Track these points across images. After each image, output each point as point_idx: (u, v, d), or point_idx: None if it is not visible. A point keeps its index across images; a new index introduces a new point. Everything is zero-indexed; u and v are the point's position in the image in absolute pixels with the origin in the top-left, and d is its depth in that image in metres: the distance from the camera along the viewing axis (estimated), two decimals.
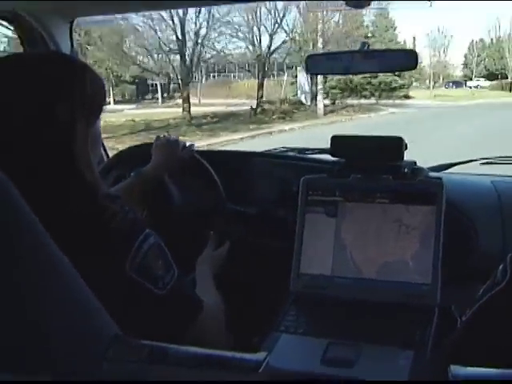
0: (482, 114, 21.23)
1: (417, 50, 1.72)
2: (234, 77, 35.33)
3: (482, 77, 52.82)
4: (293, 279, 1.58)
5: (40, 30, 1.96)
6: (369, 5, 1.73)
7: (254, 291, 1.99)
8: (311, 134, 12.35)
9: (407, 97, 33.65)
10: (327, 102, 24.93)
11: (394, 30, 38.62)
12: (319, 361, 1.25)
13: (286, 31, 23.69)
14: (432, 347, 1.30)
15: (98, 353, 0.64)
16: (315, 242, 1.59)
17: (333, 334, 1.36)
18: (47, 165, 1.12)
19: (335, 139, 1.68)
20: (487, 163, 2.08)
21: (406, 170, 1.64)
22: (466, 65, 59.07)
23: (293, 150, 2.30)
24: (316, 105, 22.78)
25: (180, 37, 20.64)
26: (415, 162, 1.73)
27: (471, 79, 53.47)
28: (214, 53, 23.81)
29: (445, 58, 53.74)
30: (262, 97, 22.98)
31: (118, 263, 1.10)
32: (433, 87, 47.79)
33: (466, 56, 59.09)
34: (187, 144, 1.93)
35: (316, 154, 2.22)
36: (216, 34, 22.53)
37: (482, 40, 59.64)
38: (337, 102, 26.62)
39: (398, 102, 29.84)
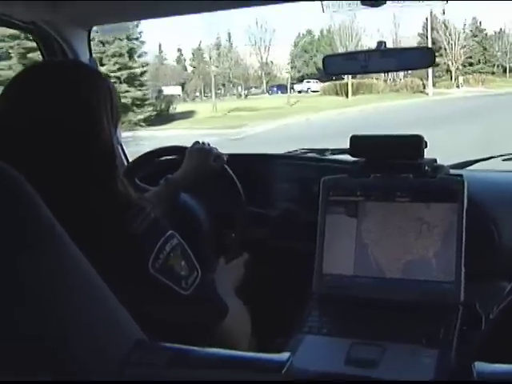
0: None
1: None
2: None
3: (315, 78, 44.80)
4: (315, 280, 1.58)
5: (58, 40, 1.98)
6: (385, 3, 1.72)
7: (277, 293, 1.99)
8: None
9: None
10: None
11: None
12: (343, 361, 1.25)
13: None
14: (457, 345, 1.29)
15: (120, 357, 0.65)
16: (337, 242, 1.59)
17: (356, 333, 1.35)
18: (89, 173, 1.14)
19: (354, 139, 1.68)
20: (509, 159, 2.06)
21: (426, 167, 1.63)
22: (292, 64, 49.35)
23: (312, 150, 2.30)
24: None
25: None
26: (436, 160, 1.72)
27: (301, 81, 46.10)
28: None
29: (267, 57, 45.59)
30: None
31: (141, 263, 1.11)
32: (243, 95, 41.63)
33: (292, 53, 49.86)
34: (219, 154, 1.88)
35: (335, 154, 2.21)
36: None
37: (309, 32, 51.25)
38: None
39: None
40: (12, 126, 1.11)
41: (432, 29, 43.59)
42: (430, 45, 36.62)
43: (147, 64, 30.44)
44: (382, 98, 33.21)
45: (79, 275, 0.82)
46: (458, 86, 41.84)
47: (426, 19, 42.96)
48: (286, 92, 41.40)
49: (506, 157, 2.06)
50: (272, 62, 48.18)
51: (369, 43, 44.89)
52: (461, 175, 1.60)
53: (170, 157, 2.04)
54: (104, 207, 1.13)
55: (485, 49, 48.14)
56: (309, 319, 1.45)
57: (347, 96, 36.19)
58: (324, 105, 29.62)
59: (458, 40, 44.16)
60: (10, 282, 0.73)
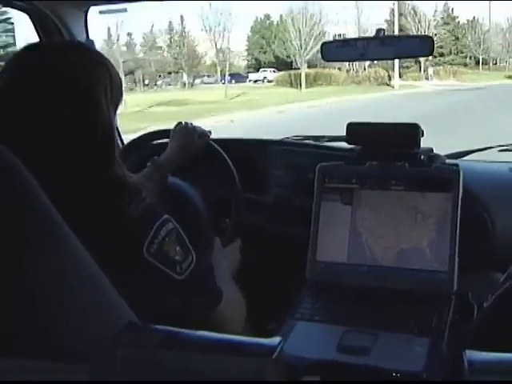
0: None
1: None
2: None
3: (272, 66, 42.42)
4: (309, 267, 1.58)
5: (55, 20, 1.97)
6: None
7: (271, 279, 1.99)
8: None
9: None
10: None
11: None
12: (335, 348, 1.25)
13: None
14: (449, 334, 1.30)
15: (111, 339, 0.64)
16: (331, 229, 1.59)
17: (349, 321, 1.35)
18: (88, 156, 1.13)
19: (351, 126, 1.68)
20: (505, 150, 2.06)
21: (422, 156, 1.63)
22: (249, 51, 47.12)
23: (308, 137, 2.29)
24: None
25: None
26: (432, 149, 1.72)
27: (258, 70, 43.38)
28: None
29: (223, 43, 40.59)
30: None
31: (136, 248, 1.11)
32: (187, 84, 38.43)
33: (248, 39, 46.88)
34: (204, 131, 1.90)
35: (331, 141, 2.21)
36: None
37: (267, 17, 47.19)
38: None
39: None
40: (9, 108, 1.09)
41: (400, 15, 40.86)
42: (396, 32, 34.25)
43: None
44: (340, 91, 30.32)
45: (71, 256, 0.81)
46: (427, 78, 39.63)
47: (393, 4, 40.53)
48: (242, 81, 39.11)
49: (502, 147, 2.06)
50: (229, 48, 44.70)
51: (331, 30, 42.17)
52: (457, 165, 1.60)
53: (161, 141, 2.04)
54: (102, 190, 1.12)
55: (457, 38, 45.60)
56: (301, 306, 1.45)
57: (300, 87, 34.15)
58: (269, 99, 25.43)
59: (428, 28, 41.67)
60: (5, 261, 0.73)
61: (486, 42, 44.19)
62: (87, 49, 1.24)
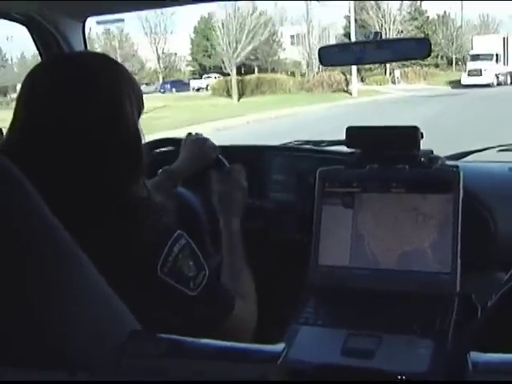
0: None
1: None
2: None
3: (219, 72, 35.50)
4: (311, 271, 1.58)
5: (53, 32, 1.97)
6: None
7: (273, 284, 1.99)
8: None
9: None
10: None
11: None
12: (339, 352, 1.25)
13: None
14: (452, 336, 1.30)
15: (116, 348, 0.65)
16: (333, 233, 1.59)
17: (352, 324, 1.35)
18: (112, 173, 1.13)
19: (351, 130, 1.68)
20: (504, 150, 2.06)
21: (422, 158, 1.63)
22: (193, 54, 41.12)
23: (308, 142, 2.30)
24: None
25: None
26: (432, 151, 1.72)
27: (202, 76, 37.70)
28: None
29: (165, 47, 37.46)
30: None
31: (150, 268, 1.10)
32: None
33: (192, 42, 40.68)
34: (214, 144, 1.87)
35: (331, 145, 2.21)
36: None
37: (212, 15, 39.70)
38: None
39: None
40: (36, 125, 1.10)
41: (361, 9, 36.62)
42: (353, 29, 30.38)
43: None
44: (285, 101, 24.48)
45: (73, 265, 0.81)
46: (393, 82, 35.22)
47: None
48: (184, 89, 33.47)
49: (501, 148, 2.07)
50: (176, 53, 40.65)
51: (288, 30, 38.61)
52: (457, 166, 1.60)
53: (165, 149, 2.04)
54: (120, 210, 1.12)
55: (426, 35, 37.27)
56: (305, 310, 1.45)
57: (238, 98, 27.89)
58: (183, 117, 18.83)
59: (394, 23, 37.15)
60: (7, 273, 0.73)
61: (458, 39, 40.07)
62: (111, 60, 1.25)
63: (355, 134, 1.70)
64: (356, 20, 34.38)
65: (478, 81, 30.82)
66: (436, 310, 1.38)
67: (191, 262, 1.17)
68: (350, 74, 29.78)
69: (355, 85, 29.76)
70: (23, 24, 2.01)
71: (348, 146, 1.73)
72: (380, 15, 37.28)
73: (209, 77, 36.86)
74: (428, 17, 42.76)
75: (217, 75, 34.44)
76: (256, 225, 2.00)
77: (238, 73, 31.90)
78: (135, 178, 1.17)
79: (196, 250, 1.20)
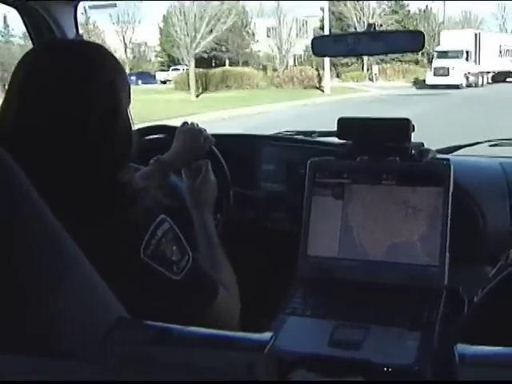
0: None
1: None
2: None
3: (187, 64, 30.12)
4: (300, 261, 1.58)
5: (44, 15, 1.95)
6: None
7: (262, 274, 1.99)
8: None
9: None
10: None
11: None
12: (326, 342, 1.25)
13: None
14: (440, 328, 1.30)
15: (103, 335, 0.64)
16: (322, 224, 1.59)
17: (340, 315, 1.36)
18: (100, 160, 1.13)
19: (342, 121, 1.68)
20: (495, 145, 2.07)
21: (413, 151, 1.64)
22: (161, 45, 39.29)
23: (299, 133, 2.30)
24: None
25: None
26: (423, 144, 1.72)
27: (169, 67, 35.57)
28: None
29: (132, 36, 35.74)
30: None
31: (133, 250, 1.10)
32: None
33: (160, 30, 38.82)
34: (208, 135, 1.85)
35: (323, 136, 2.21)
36: None
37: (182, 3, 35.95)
38: None
39: None
40: (32, 115, 1.10)
41: (339, 0, 34.50)
42: (327, 21, 27.81)
43: None
44: (250, 98, 22.39)
45: (60, 250, 0.81)
46: (371, 79, 32.78)
47: None
48: (151, 81, 31.40)
49: (492, 142, 2.08)
50: (146, 43, 38.80)
51: (264, 22, 36.69)
52: (447, 159, 1.60)
53: (157, 136, 2.03)
54: (104, 194, 1.12)
55: None
56: (293, 300, 1.45)
57: (197, 94, 25.40)
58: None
59: (372, 16, 33.96)
60: None
61: (440, 35, 36.41)
62: (106, 49, 1.24)
63: (346, 126, 1.70)
64: (333, 12, 33.43)
65: (445, 81, 27.81)
66: (424, 302, 1.39)
67: (174, 246, 1.16)
68: (323, 68, 27.66)
69: (328, 81, 27.31)
70: (13, 6, 1.98)
71: (339, 138, 1.72)
72: (358, 7, 34.97)
73: (176, 69, 33.97)
74: (409, 11, 41.25)
75: (185, 67, 30.44)
76: (247, 214, 2.00)
77: (202, 65, 29.79)
78: (123, 165, 1.17)
79: (180, 236, 1.20)
